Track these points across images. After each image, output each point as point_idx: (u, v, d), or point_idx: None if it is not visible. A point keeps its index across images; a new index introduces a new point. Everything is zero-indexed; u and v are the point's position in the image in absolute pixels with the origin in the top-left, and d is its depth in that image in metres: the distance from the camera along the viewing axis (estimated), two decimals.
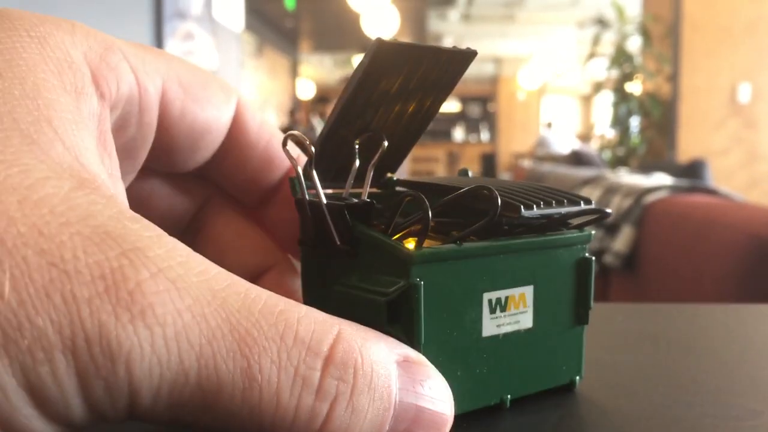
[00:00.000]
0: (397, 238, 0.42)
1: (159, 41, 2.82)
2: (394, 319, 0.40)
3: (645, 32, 5.11)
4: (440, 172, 14.79)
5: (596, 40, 5.38)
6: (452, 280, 0.42)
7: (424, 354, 0.39)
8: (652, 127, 5.10)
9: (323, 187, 0.46)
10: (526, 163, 4.52)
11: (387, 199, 0.52)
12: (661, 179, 2.29)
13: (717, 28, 4.75)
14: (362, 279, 0.42)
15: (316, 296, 0.47)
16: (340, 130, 0.46)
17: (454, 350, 0.43)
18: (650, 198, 1.87)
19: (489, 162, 15.25)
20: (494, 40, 12.63)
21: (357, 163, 0.46)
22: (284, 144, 0.42)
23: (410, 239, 0.43)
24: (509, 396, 0.45)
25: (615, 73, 5.31)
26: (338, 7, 8.52)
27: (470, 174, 0.57)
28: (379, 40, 0.41)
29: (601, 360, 0.59)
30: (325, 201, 0.43)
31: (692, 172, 2.66)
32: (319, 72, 15.26)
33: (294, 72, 11.35)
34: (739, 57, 4.77)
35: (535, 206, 0.43)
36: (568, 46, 12.36)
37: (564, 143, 9.24)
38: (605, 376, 0.55)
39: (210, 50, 3.34)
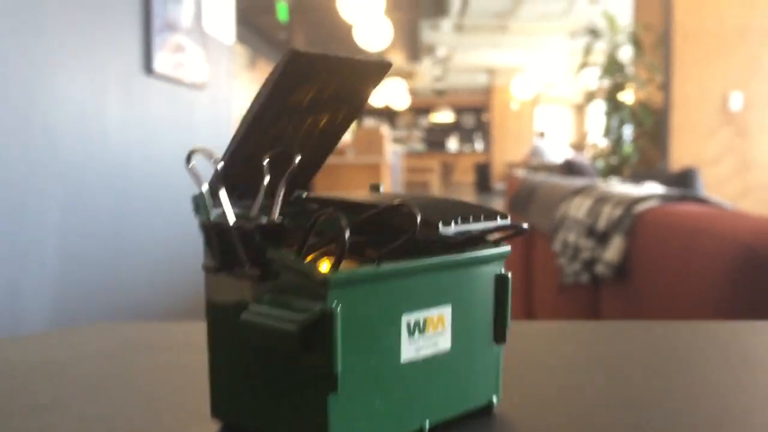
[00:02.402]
0: (311, 260, 0.40)
1: (148, 53, 2.81)
2: (308, 348, 0.37)
3: (636, 41, 5.12)
4: (435, 182, 14.78)
5: (588, 50, 5.39)
6: (370, 303, 0.39)
7: (341, 383, 0.37)
8: (645, 136, 5.10)
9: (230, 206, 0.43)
10: (520, 173, 4.52)
11: (299, 217, 0.48)
12: (652, 188, 2.28)
13: (708, 36, 4.76)
14: (273, 305, 0.39)
15: (222, 326, 0.44)
16: (248, 144, 0.43)
17: (373, 377, 0.40)
18: (640, 207, 1.86)
19: (483, 172, 15.26)
20: (487, 50, 12.66)
21: (267, 179, 0.43)
22: (188, 160, 0.39)
23: (325, 259, 0.41)
24: (428, 421, 0.43)
25: (607, 83, 5.32)
26: (331, 19, 8.53)
27: (382, 189, 0.54)
28: (292, 51, 0.40)
29: (530, 381, 0.58)
30: (232, 222, 0.39)
31: (684, 180, 2.65)
32: None
33: None
34: (730, 65, 4.78)
35: (452, 222, 0.42)
36: (561, 56, 12.40)
37: (557, 152, 9.26)
38: (530, 397, 0.54)
39: (200, 62, 3.33)
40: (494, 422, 0.47)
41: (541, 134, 11.45)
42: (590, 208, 2.14)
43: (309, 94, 0.44)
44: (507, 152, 15.84)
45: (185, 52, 3.16)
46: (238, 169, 0.44)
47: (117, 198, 2.59)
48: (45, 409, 0.58)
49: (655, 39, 4.94)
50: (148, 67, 2.82)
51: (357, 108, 0.47)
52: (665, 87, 4.85)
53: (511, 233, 0.46)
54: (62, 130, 2.27)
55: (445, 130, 19.03)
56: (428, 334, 0.43)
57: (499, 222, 0.46)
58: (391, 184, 9.02)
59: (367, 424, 0.40)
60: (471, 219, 0.44)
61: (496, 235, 0.46)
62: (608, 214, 1.98)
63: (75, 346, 0.76)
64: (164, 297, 2.97)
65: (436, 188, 14.90)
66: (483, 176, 15.09)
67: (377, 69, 0.45)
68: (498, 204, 8.81)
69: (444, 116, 19.18)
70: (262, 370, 0.41)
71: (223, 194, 0.40)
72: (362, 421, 0.40)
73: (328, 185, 8.37)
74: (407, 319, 0.41)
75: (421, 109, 18.90)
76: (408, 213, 0.39)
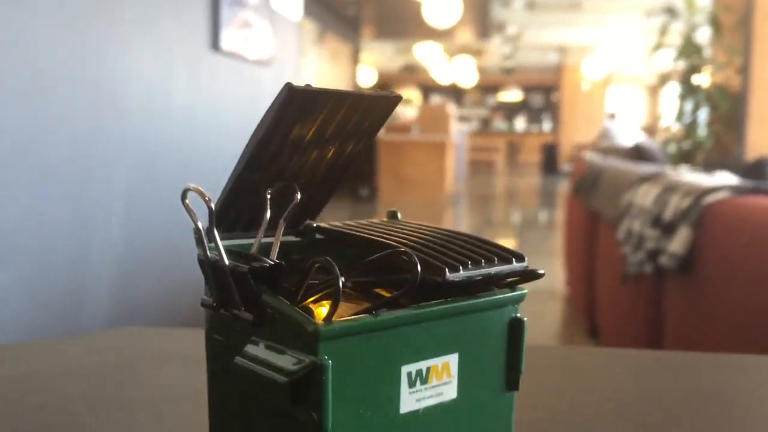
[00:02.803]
0: (312, 301, 0.38)
1: (216, 30, 2.83)
2: (299, 401, 0.35)
3: (715, 22, 4.92)
4: (500, 162, 14.62)
5: (664, 30, 5.21)
6: (366, 354, 0.37)
7: None
8: (720, 121, 4.91)
9: (232, 237, 0.42)
10: (588, 155, 4.41)
11: (305, 249, 0.47)
12: (724, 178, 2.19)
13: None
14: (267, 350, 0.37)
15: (220, 365, 0.42)
16: (250, 177, 0.41)
17: (368, 431, 0.38)
18: (710, 198, 1.79)
19: (550, 153, 15.01)
20: (559, 28, 12.38)
21: (268, 214, 0.41)
22: (183, 198, 0.38)
23: (324, 303, 0.39)
24: None
25: (682, 65, 5.13)
26: None
27: (399, 216, 0.51)
28: (289, 87, 0.37)
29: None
30: (227, 263, 0.38)
31: (759, 170, 2.54)
32: (380, 59, 15.24)
33: (355, 59, 11.34)
34: None
35: (461, 267, 0.39)
36: (635, 35, 12.03)
37: (627, 135, 9.02)
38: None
39: (267, 38, 3.35)
40: None
41: (612, 116, 11.17)
42: (657, 196, 2.07)
43: (311, 129, 0.42)
44: (576, 133, 15.53)
45: (252, 28, 3.18)
46: (243, 199, 0.43)
47: (182, 172, 2.64)
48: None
49: (736, 20, 4.74)
50: (215, 44, 2.84)
51: (366, 140, 0.45)
52: (744, 70, 4.66)
53: (527, 278, 0.44)
54: (130, 106, 2.31)
55: (513, 108, 18.77)
56: (432, 384, 0.40)
57: (515, 266, 0.43)
58: (455, 163, 8.96)
59: None
60: (483, 263, 0.41)
61: (509, 280, 0.44)
62: (676, 204, 1.91)
63: (96, 352, 0.77)
64: None
65: (500, 168, 14.74)
66: (550, 157, 14.83)
67: (385, 102, 0.43)
68: (563, 186, 8.66)
69: (512, 95, 18.91)
70: (256, 416, 0.40)
71: (216, 235, 0.38)
72: None
73: (391, 163, 8.36)
74: (408, 369, 0.39)
75: (488, 87, 18.66)
76: (409, 261, 0.37)
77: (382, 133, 8.31)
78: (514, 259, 0.43)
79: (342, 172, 0.46)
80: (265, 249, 0.41)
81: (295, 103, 0.39)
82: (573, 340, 3.37)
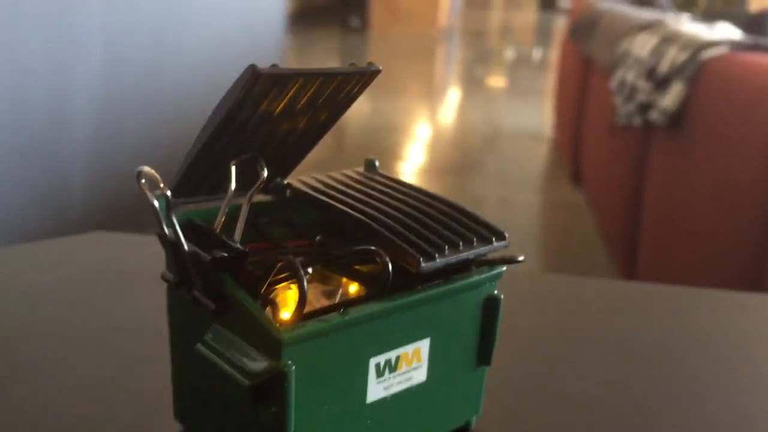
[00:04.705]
0: (281, 287, 0.37)
1: None
2: (260, 399, 0.34)
3: None
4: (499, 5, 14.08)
5: None
6: (332, 353, 0.36)
7: None
8: None
9: (197, 201, 0.40)
10: None
11: (274, 209, 0.45)
12: (725, 31, 2.12)
13: None
14: (229, 345, 0.35)
15: (181, 340, 0.42)
16: (214, 148, 0.39)
17: (333, 425, 0.37)
18: (708, 54, 1.74)
19: None
20: None
21: (233, 186, 0.40)
22: (138, 178, 0.35)
23: (289, 292, 0.37)
24: None
25: None
26: None
27: (377, 166, 0.48)
28: (253, 70, 0.34)
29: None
30: (187, 248, 0.36)
31: (759, 24, 2.46)
32: None
33: None
34: None
35: (437, 255, 0.37)
36: None
37: None
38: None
39: None
40: None
41: None
42: (654, 47, 2.01)
43: (280, 105, 0.38)
44: None
45: None
46: (207, 167, 0.40)
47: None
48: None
49: None
50: None
51: (342, 109, 0.41)
52: None
53: (506, 262, 0.42)
54: None
55: None
56: (401, 371, 0.39)
57: (495, 245, 0.41)
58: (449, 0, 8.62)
59: None
60: (461, 246, 0.39)
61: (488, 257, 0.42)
62: (672, 57, 1.86)
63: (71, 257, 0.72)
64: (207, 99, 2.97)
65: (496, 2, 14.23)
66: None
67: (361, 77, 0.39)
68: (559, 26, 8.41)
69: None
70: (221, 403, 0.39)
71: (174, 222, 0.35)
72: None
73: (385, 15, 8.01)
74: (376, 361, 0.38)
75: None
76: (381, 262, 0.36)
77: None
78: (494, 238, 0.41)
79: (315, 140, 0.43)
80: (230, 218, 0.39)
81: (261, 84, 0.36)
82: (555, 185, 3.41)
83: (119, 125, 2.34)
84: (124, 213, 2.16)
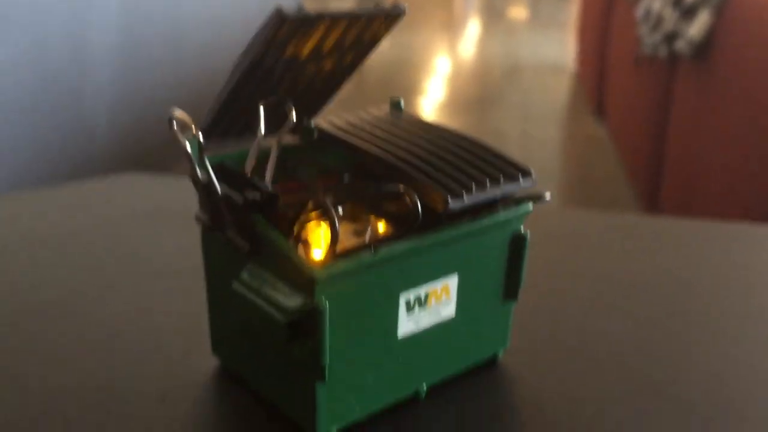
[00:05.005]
0: (312, 219, 0.37)
1: None
2: (295, 337, 0.35)
3: None
4: None
5: None
6: (364, 289, 0.37)
7: (329, 369, 0.36)
8: None
9: (227, 144, 0.40)
10: None
11: (301, 152, 0.45)
12: None
13: None
14: (264, 282, 0.36)
15: (218, 279, 0.43)
16: (242, 92, 0.39)
17: (365, 358, 0.39)
18: None
19: None
20: None
21: (262, 129, 0.40)
22: (170, 124, 0.35)
23: (319, 229, 0.38)
24: (425, 385, 0.42)
25: None
26: None
27: (402, 108, 0.48)
28: (279, 12, 0.34)
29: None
30: (219, 192, 0.36)
31: None
32: None
33: None
34: None
35: (464, 193, 0.38)
36: None
37: None
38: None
39: None
40: (497, 375, 0.46)
41: None
42: None
43: (306, 48, 0.38)
44: None
45: None
46: (236, 111, 0.40)
47: None
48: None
49: None
50: None
51: (367, 51, 0.41)
52: None
53: (532, 199, 0.41)
54: None
55: None
56: (430, 307, 0.40)
57: (522, 183, 0.41)
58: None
59: (358, 398, 0.39)
60: (488, 184, 0.39)
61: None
62: None
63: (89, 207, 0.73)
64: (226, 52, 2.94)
65: None
66: None
67: (386, 18, 0.39)
68: None
69: None
70: (256, 338, 0.40)
71: (207, 165, 0.36)
72: (353, 397, 0.39)
73: None
74: (406, 297, 0.39)
75: None
76: (410, 202, 0.36)
77: None
78: (521, 176, 0.41)
79: (341, 82, 0.43)
80: (261, 160, 0.40)
81: (287, 27, 0.36)
82: (577, 118, 3.37)
83: (140, 64, 2.33)
84: (148, 154, 2.17)
